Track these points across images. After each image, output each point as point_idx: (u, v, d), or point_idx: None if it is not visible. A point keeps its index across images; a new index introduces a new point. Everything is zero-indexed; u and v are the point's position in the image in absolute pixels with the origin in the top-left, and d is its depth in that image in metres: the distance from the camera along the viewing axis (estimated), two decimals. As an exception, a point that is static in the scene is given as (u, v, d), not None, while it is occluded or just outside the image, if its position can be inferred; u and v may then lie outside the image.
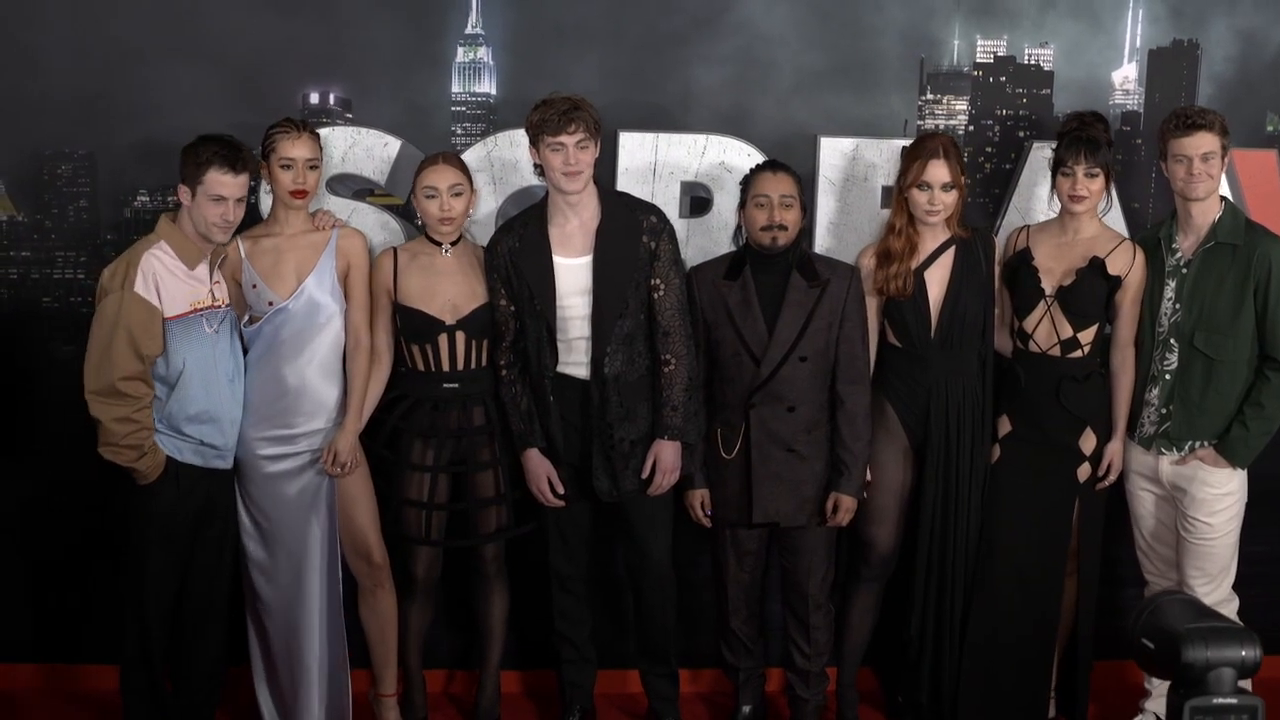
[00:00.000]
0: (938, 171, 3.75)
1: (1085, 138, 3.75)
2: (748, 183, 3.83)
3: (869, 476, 3.88)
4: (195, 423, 3.60)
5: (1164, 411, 3.83)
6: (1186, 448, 3.82)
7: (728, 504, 3.88)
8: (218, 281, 3.65)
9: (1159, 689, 4.11)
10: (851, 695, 4.16)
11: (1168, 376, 3.82)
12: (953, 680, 3.97)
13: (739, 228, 3.89)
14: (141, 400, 3.50)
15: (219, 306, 3.63)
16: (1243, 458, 3.81)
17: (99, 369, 3.47)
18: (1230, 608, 3.92)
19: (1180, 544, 3.92)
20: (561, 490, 3.80)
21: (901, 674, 4.18)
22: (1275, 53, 4.31)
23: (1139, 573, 4.12)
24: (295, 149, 3.66)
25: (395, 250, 3.84)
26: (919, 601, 3.97)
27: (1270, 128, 4.33)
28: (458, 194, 3.74)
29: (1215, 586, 3.89)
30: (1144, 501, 4.00)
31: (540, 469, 3.78)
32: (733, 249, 3.93)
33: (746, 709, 4.16)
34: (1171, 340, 3.81)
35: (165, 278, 3.51)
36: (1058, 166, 3.81)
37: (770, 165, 3.86)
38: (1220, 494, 3.83)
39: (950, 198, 3.78)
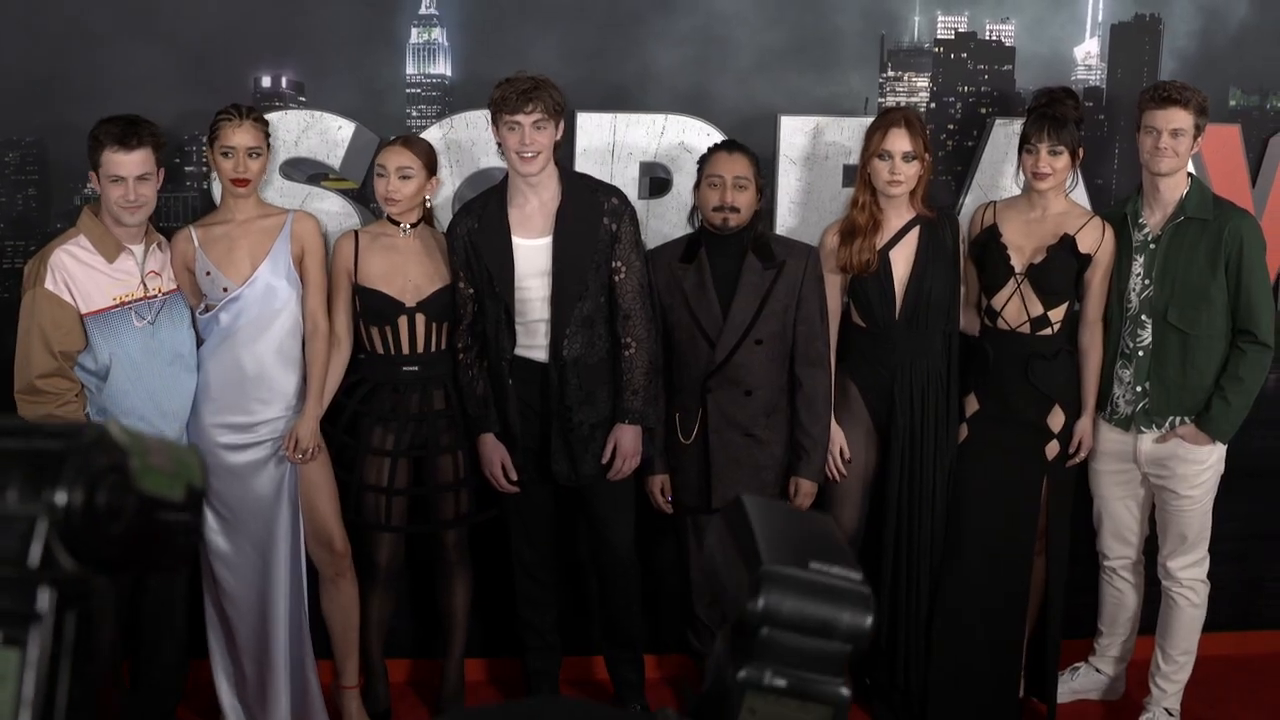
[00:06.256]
0: (898, 141, 3.70)
1: (1051, 115, 3.71)
2: (704, 162, 3.78)
3: (835, 458, 3.85)
4: (128, 417, 3.53)
5: (1139, 389, 3.81)
6: (1167, 424, 3.81)
7: (687, 489, 3.85)
8: (153, 271, 3.58)
9: (1104, 649, 4.21)
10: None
11: (1141, 353, 3.80)
12: (921, 661, 3.95)
13: (694, 208, 3.85)
14: (63, 396, 3.45)
15: (154, 297, 3.57)
16: (1225, 432, 3.80)
17: (20, 369, 3.45)
18: (1203, 567, 3.96)
19: (1159, 516, 3.95)
20: (515, 476, 3.75)
21: (868, 656, 4.16)
22: (1237, 27, 4.28)
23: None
24: (235, 137, 3.58)
25: (356, 233, 3.79)
26: (886, 584, 3.93)
27: (1233, 102, 4.31)
28: (405, 177, 3.67)
29: (1195, 549, 3.93)
30: (1105, 481, 3.99)
31: (494, 454, 3.74)
32: (690, 230, 3.89)
33: (713, 693, 4.13)
34: (1143, 316, 3.78)
35: (78, 273, 3.45)
36: (1023, 143, 3.77)
37: (727, 145, 3.80)
38: (1202, 469, 3.83)
39: (912, 169, 3.74)
